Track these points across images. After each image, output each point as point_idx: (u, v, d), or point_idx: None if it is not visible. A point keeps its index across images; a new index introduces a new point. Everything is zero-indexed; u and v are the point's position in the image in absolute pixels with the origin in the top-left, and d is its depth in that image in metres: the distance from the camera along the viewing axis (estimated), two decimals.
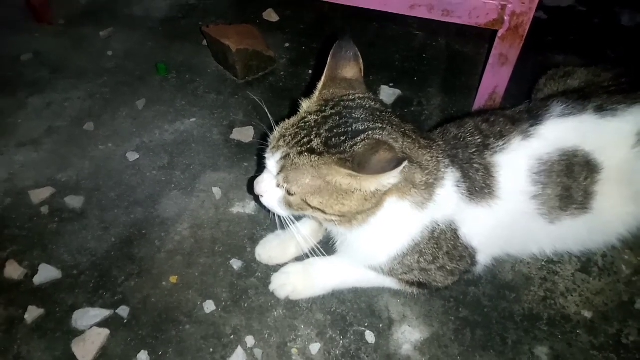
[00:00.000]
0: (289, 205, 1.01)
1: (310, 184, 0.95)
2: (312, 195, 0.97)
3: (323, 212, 0.98)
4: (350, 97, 1.02)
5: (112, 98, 1.76)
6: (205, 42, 1.95)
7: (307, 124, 0.98)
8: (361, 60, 1.08)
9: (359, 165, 0.89)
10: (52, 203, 1.43)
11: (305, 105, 1.06)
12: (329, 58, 1.06)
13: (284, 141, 0.98)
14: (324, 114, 0.99)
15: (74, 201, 1.42)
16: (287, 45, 1.98)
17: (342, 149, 0.92)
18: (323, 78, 1.06)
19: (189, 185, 1.48)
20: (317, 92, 1.06)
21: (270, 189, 1.02)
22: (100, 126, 1.65)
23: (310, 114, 1.00)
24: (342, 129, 0.95)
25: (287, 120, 1.04)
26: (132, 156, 1.55)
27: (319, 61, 1.83)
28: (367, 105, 1.01)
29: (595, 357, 1.15)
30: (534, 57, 1.80)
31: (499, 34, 1.43)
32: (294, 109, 1.09)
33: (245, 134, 1.63)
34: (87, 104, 1.73)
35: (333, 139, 0.94)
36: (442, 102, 1.74)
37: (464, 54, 1.95)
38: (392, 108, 1.69)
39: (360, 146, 0.92)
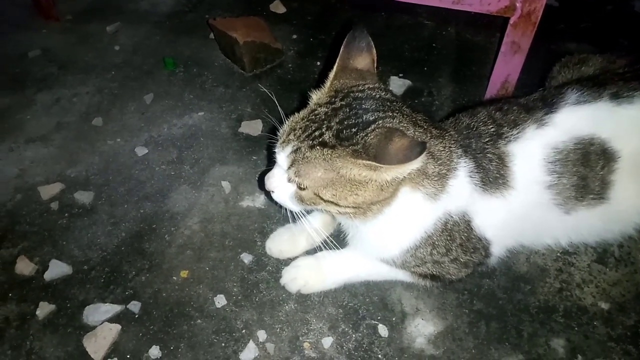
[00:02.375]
0: (300, 199, 0.99)
1: (322, 177, 0.94)
2: (325, 189, 0.95)
3: (336, 204, 0.97)
4: (360, 87, 1.00)
5: (120, 93, 1.75)
6: (212, 36, 1.93)
7: (318, 116, 0.96)
8: (374, 51, 1.05)
9: (375, 156, 0.87)
10: (61, 199, 1.42)
11: (315, 96, 1.04)
12: (342, 47, 1.04)
13: (294, 135, 0.96)
14: (333, 105, 0.97)
15: (84, 196, 1.42)
16: (294, 37, 1.96)
17: (354, 140, 0.91)
18: (335, 67, 1.04)
19: (198, 180, 1.48)
20: (327, 82, 1.04)
21: (281, 184, 1.01)
22: (108, 121, 1.65)
23: (320, 105, 0.99)
24: (353, 120, 0.93)
25: (296, 114, 1.02)
26: (141, 151, 1.55)
27: (331, 52, 1.81)
28: (377, 96, 0.99)
29: (613, 348, 1.13)
30: (546, 45, 1.78)
31: (511, 22, 1.41)
32: (303, 101, 1.07)
33: (253, 127, 1.62)
34: (95, 99, 1.73)
35: (344, 131, 0.92)
36: (452, 92, 1.72)
37: (475, 43, 1.92)
38: (402, 99, 1.69)
39: (372, 136, 0.90)
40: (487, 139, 1.09)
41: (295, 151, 0.95)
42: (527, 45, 1.45)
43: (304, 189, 0.97)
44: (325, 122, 0.95)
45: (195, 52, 1.90)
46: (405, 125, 0.96)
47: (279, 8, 2.08)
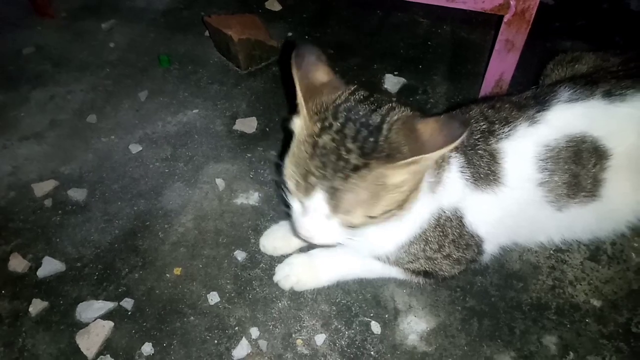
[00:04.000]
0: (350, 227, 0.93)
1: (370, 198, 0.87)
2: (374, 206, 0.89)
3: (387, 212, 0.91)
4: (342, 98, 0.93)
5: (115, 90, 1.75)
6: (207, 33, 1.93)
7: (326, 146, 0.86)
8: (325, 57, 0.97)
9: (410, 150, 0.84)
10: (55, 196, 1.42)
11: (299, 127, 0.93)
12: (294, 71, 0.94)
13: (315, 176, 0.87)
14: (333, 128, 0.88)
15: (77, 194, 1.42)
16: (290, 34, 1.96)
17: (379, 148, 0.85)
18: (300, 93, 0.93)
19: (192, 177, 1.47)
20: (303, 110, 0.92)
21: (324, 229, 0.93)
22: (103, 119, 1.65)
23: (317, 135, 0.88)
24: (365, 131, 0.87)
25: (291, 156, 0.93)
26: (135, 148, 1.54)
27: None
28: (363, 97, 0.94)
29: (605, 346, 1.13)
30: (541, 43, 1.78)
31: (505, 19, 1.41)
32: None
33: (248, 125, 1.62)
34: (89, 97, 1.72)
35: (365, 146, 0.86)
36: (447, 90, 1.72)
37: (470, 41, 1.92)
38: (397, 96, 1.70)
39: (392, 135, 0.86)
40: (479, 136, 1.09)
41: (328, 192, 0.87)
42: (521, 43, 1.45)
43: (352, 218, 0.90)
44: (340, 147, 0.85)
45: (190, 50, 1.90)
46: (410, 111, 0.93)
47: (274, 5, 2.08)
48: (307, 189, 0.88)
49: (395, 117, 0.89)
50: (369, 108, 0.91)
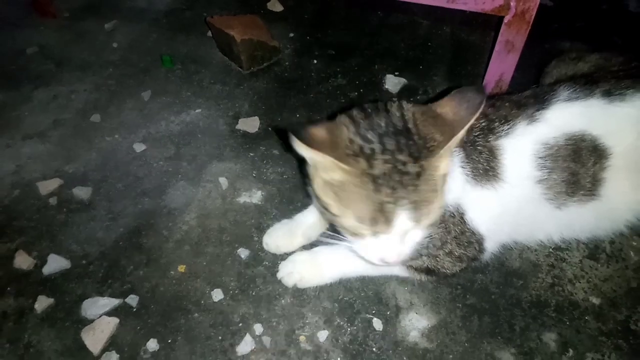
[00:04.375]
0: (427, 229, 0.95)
1: (435, 195, 0.90)
2: (439, 200, 0.91)
3: (443, 203, 0.94)
4: (353, 126, 0.92)
5: (118, 90, 1.76)
6: (209, 33, 1.94)
7: (386, 171, 0.86)
8: (313, 124, 0.92)
9: (446, 133, 0.87)
10: (60, 194, 1.43)
11: (339, 179, 0.89)
12: (303, 148, 0.89)
13: (393, 203, 0.86)
14: (377, 151, 0.87)
15: (82, 192, 1.43)
16: (291, 35, 1.97)
17: (418, 146, 0.87)
18: (324, 156, 0.87)
19: (196, 176, 1.49)
20: (339, 164, 0.87)
21: (401, 248, 0.94)
22: (106, 118, 1.66)
23: (371, 167, 0.86)
24: (401, 138, 0.88)
25: (348, 206, 0.90)
26: (139, 147, 1.56)
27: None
28: (364, 113, 0.95)
29: (604, 343, 1.15)
30: (540, 44, 1.79)
31: (505, 20, 1.42)
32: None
33: (251, 125, 1.63)
34: (93, 96, 1.73)
35: (409, 149, 0.87)
36: (438, 93, 1.73)
37: (470, 42, 1.94)
38: (397, 97, 1.71)
39: (421, 128, 0.89)
40: (478, 133, 1.11)
41: (409, 209, 0.87)
42: (521, 44, 1.46)
43: (429, 221, 0.92)
44: (396, 164, 0.86)
45: (192, 50, 1.91)
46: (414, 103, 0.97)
47: (276, 6, 2.09)
48: (388, 218, 0.87)
49: (410, 113, 0.92)
50: (381, 116, 0.93)
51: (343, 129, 0.91)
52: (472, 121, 0.89)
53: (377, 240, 0.92)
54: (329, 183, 0.91)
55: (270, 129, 1.51)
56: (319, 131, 0.88)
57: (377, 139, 0.88)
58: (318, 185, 0.95)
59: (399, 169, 0.85)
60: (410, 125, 0.90)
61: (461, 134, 0.89)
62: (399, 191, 0.85)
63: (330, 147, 0.87)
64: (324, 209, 0.96)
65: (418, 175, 0.86)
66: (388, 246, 0.92)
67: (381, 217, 0.87)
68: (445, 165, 0.92)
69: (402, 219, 0.87)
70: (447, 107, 0.90)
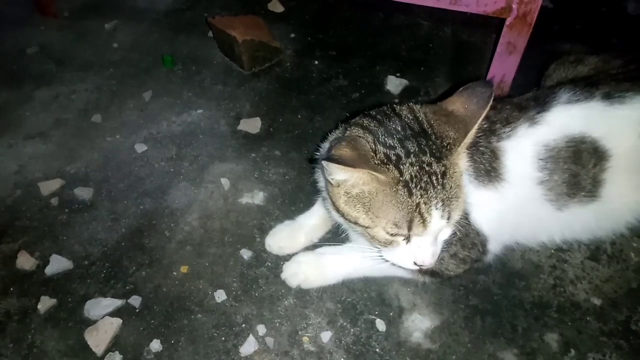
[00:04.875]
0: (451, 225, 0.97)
1: (461, 191, 0.93)
2: (464, 193, 0.94)
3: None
4: (371, 136, 0.94)
5: (119, 90, 1.76)
6: (210, 34, 1.94)
7: (415, 174, 0.89)
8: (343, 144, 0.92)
9: (460, 130, 0.91)
10: (61, 194, 1.43)
11: (372, 189, 0.91)
12: (347, 170, 0.89)
13: (427, 204, 0.89)
14: (403, 155, 0.90)
15: (84, 192, 1.43)
16: (292, 35, 1.97)
17: (439, 145, 0.91)
18: (365, 170, 0.89)
19: (197, 176, 1.49)
20: (376, 175, 0.89)
21: (434, 249, 0.96)
22: (107, 118, 1.66)
23: (402, 174, 0.89)
24: (420, 139, 0.91)
25: (382, 215, 0.91)
26: (140, 147, 1.56)
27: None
28: (376, 119, 0.98)
29: (605, 343, 1.16)
30: (541, 46, 1.79)
31: (507, 22, 1.43)
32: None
33: (252, 125, 1.63)
34: (94, 96, 1.73)
35: (431, 149, 0.90)
36: (444, 92, 1.74)
37: (471, 44, 1.94)
38: (399, 98, 1.72)
39: (436, 127, 0.93)
40: (480, 134, 1.11)
41: (440, 207, 0.90)
42: (523, 46, 1.47)
43: (456, 217, 0.95)
44: (423, 165, 0.89)
45: (193, 50, 1.91)
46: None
47: (277, 7, 2.09)
48: (425, 219, 0.90)
49: (422, 114, 0.94)
50: (395, 121, 0.95)
51: (362, 142, 0.93)
52: (484, 115, 0.91)
53: (410, 246, 0.95)
54: (357, 196, 0.93)
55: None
56: (344, 151, 0.89)
57: (399, 144, 0.91)
58: (342, 202, 0.96)
59: (426, 170, 0.89)
60: (426, 126, 0.92)
61: (475, 129, 0.91)
62: (430, 192, 0.89)
63: (361, 161, 0.89)
64: (353, 224, 0.98)
65: (444, 174, 0.89)
66: (422, 249, 0.95)
67: (417, 218, 0.89)
68: (463, 161, 0.95)
69: (436, 218, 0.90)
70: (457, 104, 0.92)
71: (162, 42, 1.95)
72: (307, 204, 1.37)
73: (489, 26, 1.93)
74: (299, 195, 1.43)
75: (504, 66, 1.54)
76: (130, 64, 1.86)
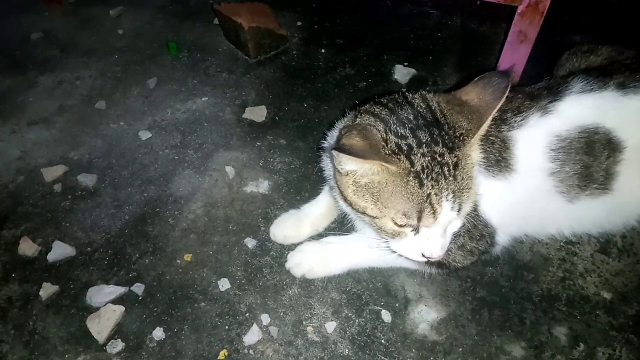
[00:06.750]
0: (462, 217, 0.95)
1: (473, 183, 0.92)
2: (475, 184, 0.93)
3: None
4: (381, 125, 0.92)
5: (124, 77, 1.74)
6: (216, 21, 1.92)
7: (427, 165, 0.87)
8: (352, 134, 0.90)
9: (474, 121, 0.89)
10: (65, 181, 1.42)
11: (383, 180, 0.89)
12: (354, 161, 0.87)
13: (438, 195, 0.87)
14: (415, 145, 0.88)
15: (87, 179, 1.41)
16: (299, 23, 1.95)
17: (449, 135, 0.89)
18: (373, 161, 0.87)
19: (202, 164, 1.47)
20: (386, 165, 0.87)
21: (443, 242, 0.94)
22: (111, 105, 1.64)
23: (413, 165, 0.87)
24: (433, 129, 0.89)
25: (393, 206, 0.89)
26: (145, 135, 1.54)
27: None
28: (387, 109, 0.95)
29: (615, 337, 1.14)
30: (550, 37, 1.76)
31: (519, 11, 1.40)
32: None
33: (257, 114, 1.61)
34: (98, 83, 1.72)
35: (445, 141, 0.88)
36: (457, 82, 1.72)
37: (480, 34, 1.91)
38: (407, 87, 1.69)
39: (449, 117, 0.91)
40: (490, 123, 1.09)
41: (451, 199, 0.88)
42: (534, 35, 1.45)
43: (467, 208, 0.93)
44: (434, 155, 0.87)
45: (199, 37, 1.89)
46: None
47: None
48: (435, 211, 0.88)
49: (435, 103, 0.92)
50: (407, 109, 0.93)
51: (373, 131, 0.90)
52: (499, 106, 0.88)
53: (419, 237, 0.93)
54: (366, 186, 0.91)
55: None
56: (355, 140, 0.87)
57: (411, 134, 0.89)
58: (350, 191, 0.94)
59: (438, 161, 0.87)
60: (439, 116, 0.90)
61: (489, 120, 0.89)
62: (441, 182, 0.87)
63: (372, 152, 0.87)
64: (360, 214, 0.96)
65: (456, 165, 0.87)
66: (431, 241, 0.93)
67: (428, 209, 0.88)
68: (476, 152, 0.92)
69: (447, 209, 0.88)
70: (472, 94, 0.90)
71: (167, 28, 1.93)
72: (313, 193, 1.35)
73: (498, 16, 1.90)
74: (304, 184, 1.41)
75: (514, 55, 1.51)
76: (134, 50, 1.84)
